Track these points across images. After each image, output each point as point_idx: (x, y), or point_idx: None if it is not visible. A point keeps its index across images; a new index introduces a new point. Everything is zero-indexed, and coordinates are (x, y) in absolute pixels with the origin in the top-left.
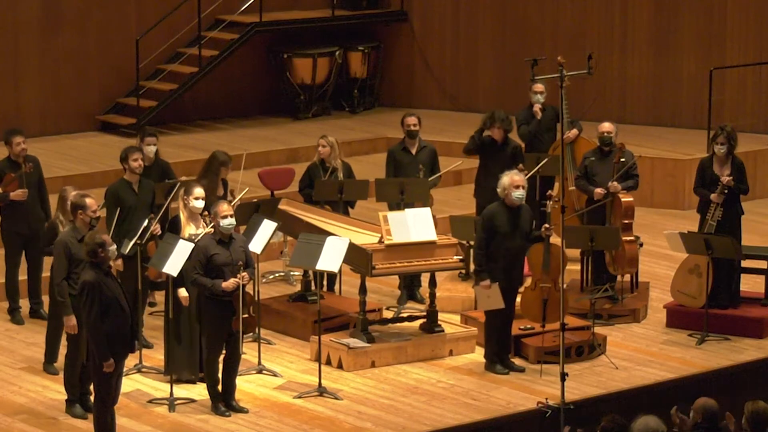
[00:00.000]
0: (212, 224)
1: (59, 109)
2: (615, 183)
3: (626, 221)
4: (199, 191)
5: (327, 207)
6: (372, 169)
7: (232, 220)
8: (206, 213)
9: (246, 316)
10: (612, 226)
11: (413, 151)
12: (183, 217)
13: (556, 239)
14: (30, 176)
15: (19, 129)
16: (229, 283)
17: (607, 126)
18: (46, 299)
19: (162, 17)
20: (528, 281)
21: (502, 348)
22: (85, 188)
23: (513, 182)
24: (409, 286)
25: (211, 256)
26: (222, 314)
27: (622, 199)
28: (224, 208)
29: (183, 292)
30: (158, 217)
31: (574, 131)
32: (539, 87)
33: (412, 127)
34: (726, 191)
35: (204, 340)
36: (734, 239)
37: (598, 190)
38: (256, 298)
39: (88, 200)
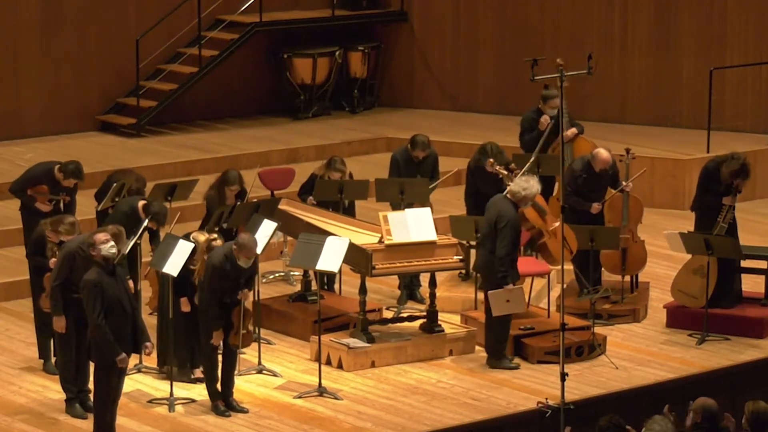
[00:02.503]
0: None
1: (59, 109)
2: (630, 183)
3: (640, 221)
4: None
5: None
6: (372, 169)
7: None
8: None
9: (245, 332)
10: (613, 226)
11: (416, 161)
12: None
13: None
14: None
15: (80, 174)
16: (215, 340)
17: (606, 158)
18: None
19: (162, 17)
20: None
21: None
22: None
23: (537, 194)
24: (409, 286)
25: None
26: (223, 318)
27: (639, 200)
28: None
29: (186, 304)
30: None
31: (573, 130)
32: (556, 103)
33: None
34: (738, 194)
35: (204, 341)
36: (735, 239)
37: (596, 205)
38: (257, 298)
39: (96, 236)
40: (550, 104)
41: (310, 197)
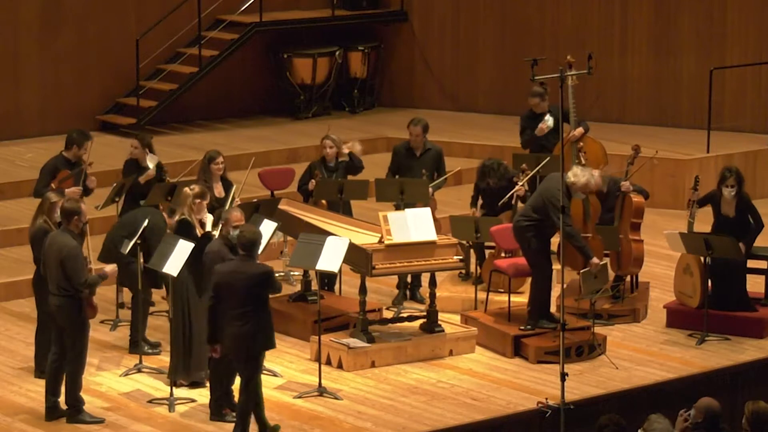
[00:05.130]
0: (223, 230)
1: (59, 109)
2: (627, 183)
3: (635, 220)
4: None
5: (323, 203)
6: (372, 169)
7: None
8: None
9: None
10: (613, 226)
11: (417, 154)
12: (195, 221)
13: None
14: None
15: (89, 134)
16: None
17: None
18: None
19: (162, 17)
20: None
21: (547, 307)
22: None
23: (588, 187)
24: (410, 286)
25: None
26: None
27: (633, 199)
28: (237, 216)
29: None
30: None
31: (580, 129)
32: (533, 101)
33: (416, 137)
34: (697, 188)
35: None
36: (734, 239)
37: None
38: None
39: (83, 206)
40: (530, 101)
41: (312, 180)
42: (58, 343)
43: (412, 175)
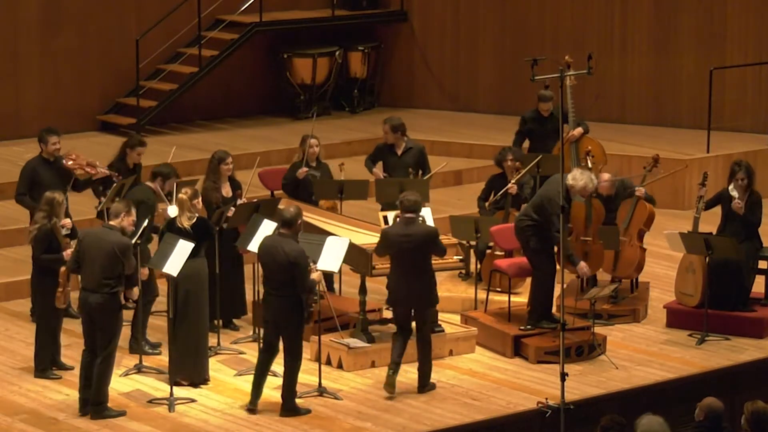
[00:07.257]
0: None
1: (59, 109)
2: (642, 189)
3: (644, 228)
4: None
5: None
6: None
7: None
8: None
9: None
10: (613, 226)
11: (399, 152)
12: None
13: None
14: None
15: (55, 129)
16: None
17: (606, 181)
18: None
19: (162, 17)
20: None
21: (548, 307)
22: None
23: (587, 190)
24: None
25: None
26: None
27: (648, 207)
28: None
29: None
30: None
31: (579, 129)
32: (547, 106)
33: (385, 135)
34: (705, 183)
35: (298, 346)
36: (733, 239)
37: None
38: (256, 298)
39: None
40: (541, 106)
41: (300, 170)
42: (90, 341)
43: (394, 173)
